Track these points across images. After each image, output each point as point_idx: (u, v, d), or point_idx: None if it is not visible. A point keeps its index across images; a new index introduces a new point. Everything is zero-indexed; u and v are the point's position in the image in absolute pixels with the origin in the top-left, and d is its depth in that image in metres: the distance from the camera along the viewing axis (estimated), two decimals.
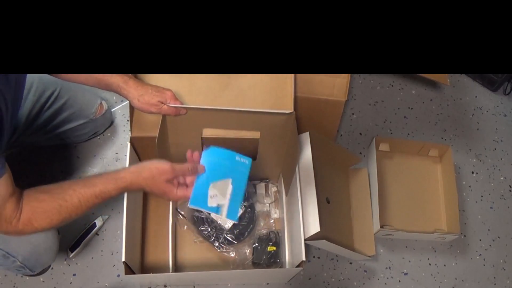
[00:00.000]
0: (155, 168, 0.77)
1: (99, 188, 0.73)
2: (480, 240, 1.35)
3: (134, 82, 0.90)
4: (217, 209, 0.79)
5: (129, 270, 0.94)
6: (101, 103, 1.23)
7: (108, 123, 1.30)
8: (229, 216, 0.80)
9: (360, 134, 1.46)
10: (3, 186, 0.69)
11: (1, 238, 0.91)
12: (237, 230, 1.16)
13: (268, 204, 1.24)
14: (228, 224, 1.16)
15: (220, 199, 0.79)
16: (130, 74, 0.92)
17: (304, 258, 0.97)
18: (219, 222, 1.16)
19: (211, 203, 0.78)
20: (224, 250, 1.16)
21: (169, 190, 0.77)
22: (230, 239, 1.15)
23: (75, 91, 1.16)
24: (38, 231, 0.73)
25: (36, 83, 1.09)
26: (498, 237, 1.36)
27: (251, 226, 1.18)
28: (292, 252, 1.09)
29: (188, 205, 0.78)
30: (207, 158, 0.82)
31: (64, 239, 1.12)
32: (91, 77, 0.91)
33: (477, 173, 1.46)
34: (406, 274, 1.26)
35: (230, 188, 0.81)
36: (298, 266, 1.01)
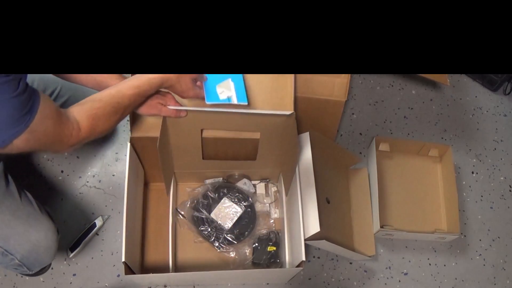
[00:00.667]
0: None
1: (143, 88, 0.84)
2: (480, 240, 1.35)
3: None
4: (229, 99, 0.95)
5: (129, 270, 0.94)
6: None
7: None
8: (239, 100, 0.95)
9: (360, 134, 1.46)
10: (46, 106, 0.72)
11: (0, 235, 0.90)
12: (237, 230, 1.16)
13: (268, 204, 1.24)
14: (228, 224, 1.16)
15: (227, 92, 0.96)
16: (130, 76, 0.91)
17: (304, 258, 0.97)
18: (219, 222, 1.16)
19: (222, 96, 0.95)
20: (224, 250, 1.15)
21: (191, 87, 0.90)
22: (230, 239, 1.15)
23: (76, 90, 1.15)
24: (102, 134, 0.83)
25: (37, 82, 1.08)
26: (498, 237, 1.36)
27: (251, 226, 1.18)
28: (292, 252, 1.09)
29: (205, 101, 0.93)
30: None
31: (64, 239, 1.12)
32: (90, 78, 0.91)
33: (477, 173, 1.46)
34: (406, 274, 1.26)
35: (231, 83, 0.97)
36: (298, 266, 1.01)
